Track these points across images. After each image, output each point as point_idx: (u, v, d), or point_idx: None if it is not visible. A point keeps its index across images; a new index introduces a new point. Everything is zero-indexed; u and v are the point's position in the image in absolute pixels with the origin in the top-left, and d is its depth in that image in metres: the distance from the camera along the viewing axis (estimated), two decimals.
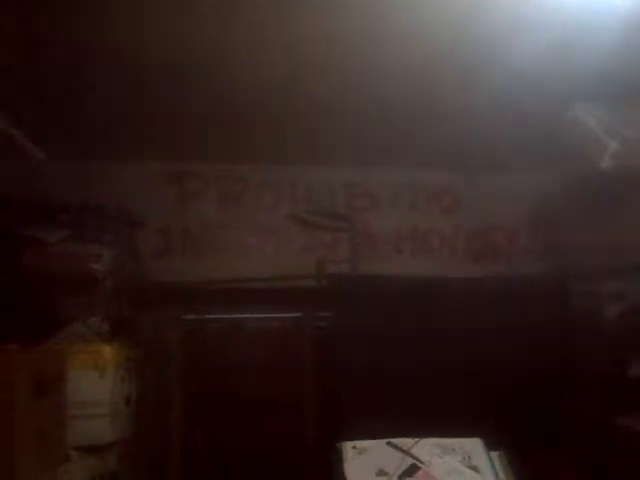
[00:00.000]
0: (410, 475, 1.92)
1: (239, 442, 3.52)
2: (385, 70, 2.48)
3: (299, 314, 3.78)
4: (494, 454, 2.01)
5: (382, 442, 2.07)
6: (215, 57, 2.33)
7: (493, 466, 1.96)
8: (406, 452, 2.02)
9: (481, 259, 3.90)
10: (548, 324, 3.42)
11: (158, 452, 3.29)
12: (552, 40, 2.22)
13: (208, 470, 3.45)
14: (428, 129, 3.15)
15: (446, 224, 3.89)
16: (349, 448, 2.08)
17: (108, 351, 2.38)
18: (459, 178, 3.86)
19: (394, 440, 2.08)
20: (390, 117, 2.99)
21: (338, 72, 2.51)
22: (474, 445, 2.02)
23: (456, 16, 2.08)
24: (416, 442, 2.06)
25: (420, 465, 1.96)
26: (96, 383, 2.29)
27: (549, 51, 2.31)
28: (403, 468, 1.95)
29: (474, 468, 1.95)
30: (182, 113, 2.84)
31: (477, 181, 3.85)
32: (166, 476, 3.36)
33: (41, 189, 3.07)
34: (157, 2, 1.95)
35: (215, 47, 2.25)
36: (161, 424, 3.36)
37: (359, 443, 2.10)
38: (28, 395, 1.59)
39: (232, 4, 1.95)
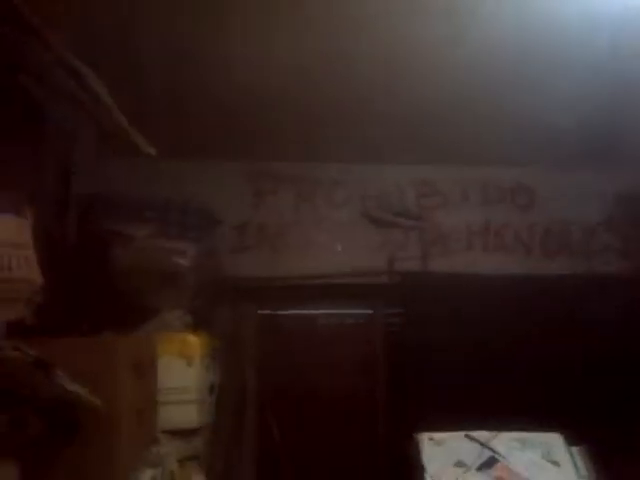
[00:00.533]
0: (489, 467, 1.94)
1: (312, 433, 3.61)
2: (453, 71, 2.50)
3: (371, 311, 3.83)
4: (575, 449, 2.00)
5: (460, 434, 2.10)
6: (297, 63, 2.41)
7: (574, 461, 1.95)
8: (484, 445, 2.04)
9: (557, 256, 3.83)
10: (628, 322, 3.34)
11: (235, 439, 3.42)
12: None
13: (283, 459, 3.56)
14: (497, 127, 3.13)
15: (521, 221, 3.84)
16: (426, 440, 2.11)
17: (194, 341, 2.50)
18: (533, 174, 3.80)
19: (472, 433, 2.11)
20: (458, 117, 3.00)
21: (407, 74, 2.54)
22: (554, 440, 2.02)
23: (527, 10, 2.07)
24: (495, 435, 2.07)
25: (499, 458, 1.97)
26: (184, 371, 2.41)
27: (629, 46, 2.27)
28: (482, 460, 1.97)
29: (555, 463, 1.94)
30: (261, 115, 2.94)
31: (553, 177, 3.79)
32: (242, 462, 3.48)
33: (128, 186, 3.24)
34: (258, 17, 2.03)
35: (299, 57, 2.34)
36: (238, 413, 3.49)
37: (436, 435, 2.13)
38: (128, 376, 1.71)
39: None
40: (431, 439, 2.12)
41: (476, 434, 2.07)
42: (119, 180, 3.22)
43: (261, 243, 3.72)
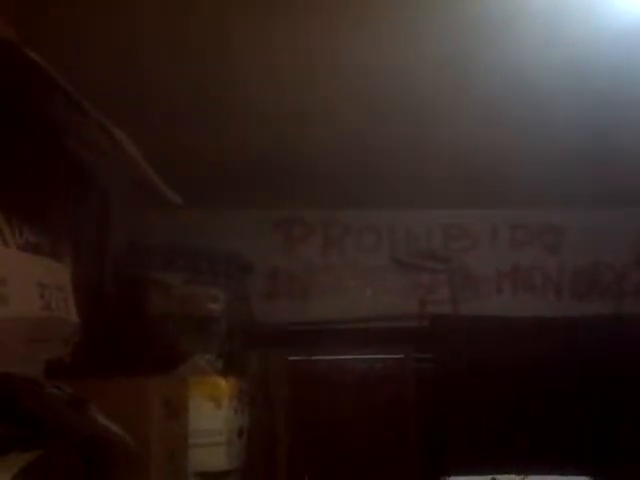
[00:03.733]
0: None
1: (343, 479, 3.57)
2: (478, 113, 2.57)
3: (401, 355, 3.83)
4: None
5: (487, 478, 2.08)
6: (329, 111, 2.52)
7: None
8: None
9: (588, 298, 3.79)
10: None
11: None
12: None
13: None
14: (526, 171, 3.17)
15: (550, 262, 3.83)
16: None
17: (224, 384, 2.56)
18: (562, 214, 3.81)
19: (500, 476, 2.09)
20: (486, 161, 3.06)
21: (429, 121, 2.63)
22: None
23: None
24: (523, 479, 2.05)
25: None
26: (213, 413, 2.46)
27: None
28: None
29: None
30: (290, 163, 3.06)
31: (582, 217, 3.78)
32: None
33: (161, 235, 3.37)
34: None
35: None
36: (268, 459, 3.49)
37: (465, 479, 2.12)
38: (161, 417, 1.77)
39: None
40: None
41: (504, 477, 2.05)
42: (155, 231, 3.36)
43: (291, 289, 3.78)
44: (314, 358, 3.84)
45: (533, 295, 3.80)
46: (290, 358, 3.78)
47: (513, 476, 2.07)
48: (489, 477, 2.08)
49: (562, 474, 2.04)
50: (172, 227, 3.44)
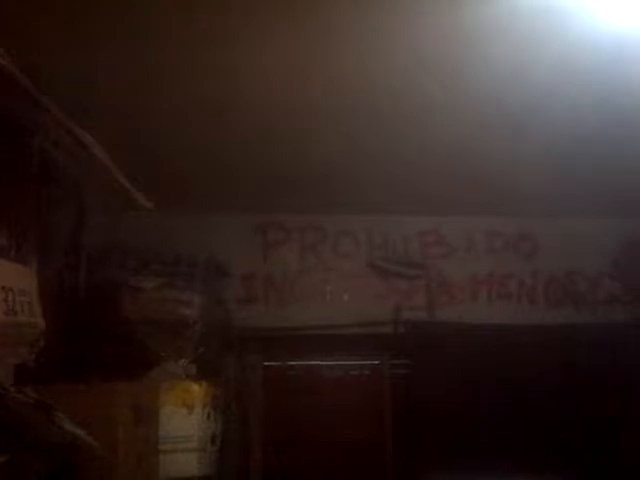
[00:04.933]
0: None
1: None
2: (454, 123, 2.60)
3: (377, 361, 3.84)
4: None
5: None
6: (304, 116, 2.52)
7: None
8: None
9: (562, 306, 3.84)
10: (635, 370, 3.31)
11: None
12: None
13: None
14: (503, 180, 3.21)
15: (525, 269, 3.87)
16: None
17: (196, 389, 2.54)
18: (537, 223, 3.85)
19: None
20: (460, 168, 3.09)
21: (408, 128, 2.65)
22: None
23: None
24: None
25: None
26: (185, 419, 2.44)
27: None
28: None
29: None
30: (268, 168, 3.06)
31: (557, 225, 3.83)
32: None
33: (135, 238, 3.34)
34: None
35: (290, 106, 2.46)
36: (242, 465, 3.47)
37: None
38: (129, 422, 1.76)
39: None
40: None
41: None
42: (130, 234, 3.33)
43: (268, 294, 3.77)
44: (290, 364, 3.83)
45: (508, 302, 3.83)
46: (265, 363, 3.76)
47: None
48: None
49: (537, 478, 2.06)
50: (148, 230, 3.41)
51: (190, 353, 2.87)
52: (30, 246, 1.40)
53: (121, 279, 2.96)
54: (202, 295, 3.13)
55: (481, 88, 2.29)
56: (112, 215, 3.01)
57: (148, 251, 3.15)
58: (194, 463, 2.44)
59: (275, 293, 3.80)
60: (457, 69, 2.16)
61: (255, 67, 2.11)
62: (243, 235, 3.76)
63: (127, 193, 1.53)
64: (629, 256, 3.85)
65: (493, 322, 3.69)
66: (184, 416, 2.44)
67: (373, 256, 3.86)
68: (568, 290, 3.85)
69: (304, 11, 1.78)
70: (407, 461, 3.43)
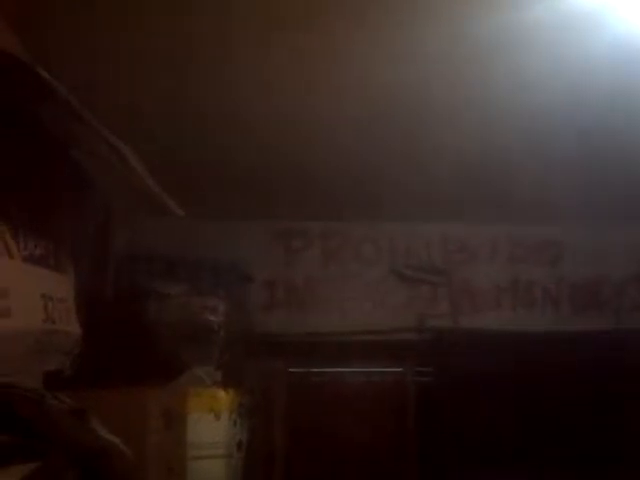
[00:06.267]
0: None
1: None
2: (482, 131, 2.59)
3: (400, 368, 3.82)
4: None
5: None
6: (325, 125, 2.53)
7: None
8: None
9: (587, 313, 3.79)
10: None
11: None
12: None
13: None
14: (526, 186, 3.19)
15: (549, 277, 3.84)
16: None
17: (223, 396, 2.55)
18: (561, 229, 3.82)
19: None
20: (486, 175, 3.07)
21: (430, 136, 2.64)
22: None
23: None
24: None
25: None
26: (212, 426, 2.45)
27: None
28: None
29: None
30: (291, 175, 3.07)
31: (581, 232, 3.79)
32: None
33: (161, 245, 3.37)
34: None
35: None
36: (266, 472, 3.47)
37: None
38: (159, 428, 1.77)
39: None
40: None
41: None
42: (155, 240, 3.36)
43: (290, 300, 3.78)
44: (313, 370, 3.83)
45: (532, 309, 3.80)
46: (289, 370, 3.77)
47: None
48: None
49: None
50: (173, 237, 3.44)
51: (215, 359, 2.88)
52: (66, 254, 1.42)
53: (147, 285, 2.98)
54: (226, 301, 3.14)
55: (505, 95, 2.29)
56: (139, 222, 3.05)
57: (174, 258, 3.17)
58: (221, 470, 2.45)
59: (297, 299, 3.80)
60: (480, 76, 2.16)
61: (276, 77, 2.14)
62: (266, 241, 3.78)
63: (158, 200, 1.55)
64: None
65: (517, 329, 3.66)
66: (211, 422, 2.44)
67: (396, 263, 3.85)
68: (593, 297, 3.81)
69: (304, 17, 1.79)
70: (430, 468, 3.41)
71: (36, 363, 1.32)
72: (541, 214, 3.67)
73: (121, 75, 2.05)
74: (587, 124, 2.50)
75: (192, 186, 3.14)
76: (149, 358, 2.62)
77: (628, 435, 3.27)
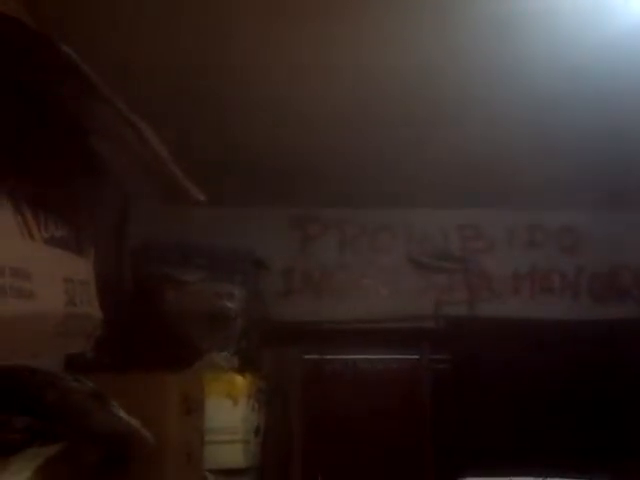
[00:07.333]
0: None
1: (357, 479, 3.57)
2: (498, 119, 2.56)
3: (417, 356, 3.82)
4: None
5: None
6: (343, 111, 2.51)
7: None
8: None
9: (607, 301, 3.75)
10: None
11: None
12: None
13: None
14: (543, 173, 3.15)
15: (567, 264, 3.80)
16: None
17: (241, 381, 2.56)
18: (581, 216, 3.77)
19: (517, 478, 2.07)
20: (500, 160, 3.04)
21: (443, 122, 2.62)
22: None
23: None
24: None
25: None
26: (230, 411, 2.46)
27: None
28: None
29: None
30: (308, 162, 3.06)
31: (600, 218, 3.74)
32: None
33: (178, 232, 3.38)
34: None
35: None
36: (282, 458, 3.49)
37: None
38: (179, 412, 1.78)
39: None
40: None
41: None
42: (171, 227, 3.37)
43: (306, 287, 3.78)
44: (329, 357, 3.83)
45: (550, 297, 3.76)
46: (305, 357, 3.77)
47: (530, 478, 2.05)
48: (506, 479, 2.07)
49: (580, 477, 2.02)
50: (189, 224, 3.45)
51: (233, 345, 2.89)
52: (87, 237, 1.42)
53: (164, 272, 3.00)
54: (242, 288, 3.14)
55: (516, 82, 2.26)
56: (156, 209, 3.05)
57: (190, 245, 3.18)
58: (240, 455, 2.46)
59: (313, 287, 3.80)
60: (493, 64, 2.13)
61: (290, 64, 2.12)
62: (282, 229, 3.77)
63: (179, 185, 1.54)
64: None
65: (535, 317, 3.63)
66: (229, 408, 2.45)
67: (412, 250, 3.83)
68: (613, 284, 3.76)
69: (309, 10, 1.78)
70: (448, 456, 3.41)
71: (58, 346, 1.32)
72: (559, 200, 3.62)
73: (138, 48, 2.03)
74: (603, 109, 2.46)
75: (208, 173, 3.12)
76: (167, 344, 2.63)
77: None
